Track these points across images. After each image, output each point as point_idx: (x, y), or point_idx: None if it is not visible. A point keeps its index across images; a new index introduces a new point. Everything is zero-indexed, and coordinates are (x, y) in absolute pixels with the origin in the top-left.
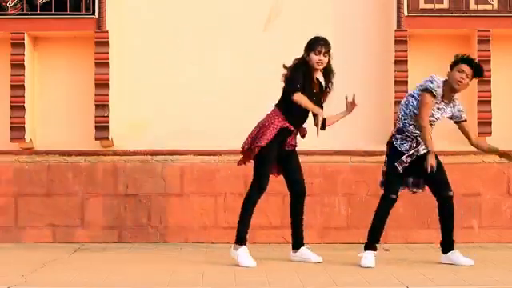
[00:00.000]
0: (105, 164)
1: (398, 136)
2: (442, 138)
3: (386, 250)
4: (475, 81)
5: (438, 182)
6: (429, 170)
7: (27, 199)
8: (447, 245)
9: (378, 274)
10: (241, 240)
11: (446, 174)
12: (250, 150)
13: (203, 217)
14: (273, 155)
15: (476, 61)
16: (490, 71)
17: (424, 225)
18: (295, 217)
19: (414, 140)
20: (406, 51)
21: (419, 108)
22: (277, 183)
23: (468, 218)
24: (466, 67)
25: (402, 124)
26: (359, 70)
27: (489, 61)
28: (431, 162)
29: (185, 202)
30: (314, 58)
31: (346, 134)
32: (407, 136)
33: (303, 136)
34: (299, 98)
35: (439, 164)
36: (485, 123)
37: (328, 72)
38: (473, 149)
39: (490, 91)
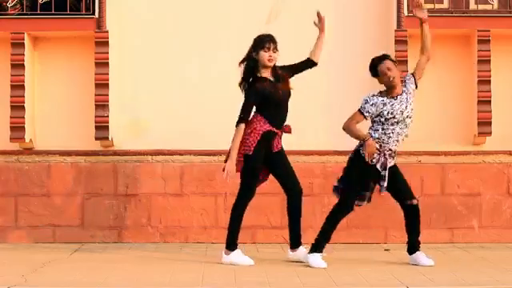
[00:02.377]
0: (105, 164)
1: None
2: (442, 138)
3: (385, 250)
4: (475, 81)
5: (400, 192)
6: (367, 158)
7: (27, 199)
8: (413, 246)
9: (378, 274)
10: (232, 245)
11: (406, 182)
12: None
13: (203, 217)
14: (259, 162)
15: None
16: (489, 71)
17: (424, 225)
18: (293, 216)
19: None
20: (406, 51)
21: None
22: (277, 183)
23: (468, 218)
24: (386, 63)
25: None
26: (359, 70)
27: (489, 61)
28: (368, 150)
29: (185, 201)
30: (264, 55)
31: (346, 134)
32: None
33: (289, 131)
34: (237, 131)
35: (398, 174)
36: (485, 123)
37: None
38: (473, 149)
39: (490, 91)
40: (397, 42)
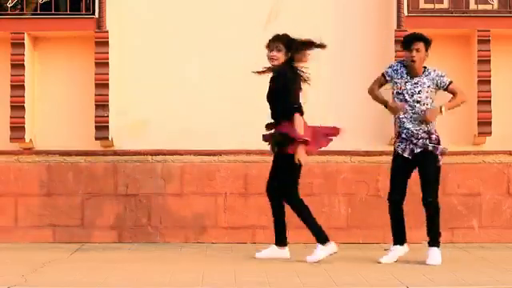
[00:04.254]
0: (105, 164)
1: (397, 140)
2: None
3: (385, 250)
4: (475, 81)
5: (422, 184)
6: (396, 114)
7: (27, 199)
8: (429, 240)
9: (378, 274)
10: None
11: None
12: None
13: (203, 217)
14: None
15: (414, 33)
16: (489, 71)
17: (424, 225)
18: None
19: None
20: None
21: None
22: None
23: (468, 218)
24: (418, 44)
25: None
26: (359, 70)
27: (489, 61)
28: (393, 110)
29: (185, 202)
30: (268, 54)
31: (346, 133)
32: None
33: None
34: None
35: (427, 166)
36: (485, 123)
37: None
38: (473, 149)
39: (490, 91)
40: (397, 42)
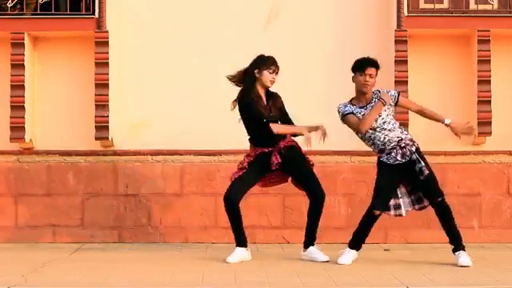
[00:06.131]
0: (105, 164)
1: (383, 155)
2: (442, 138)
3: (385, 250)
4: (475, 81)
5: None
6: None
7: (27, 199)
8: (453, 246)
9: (378, 274)
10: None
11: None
12: None
13: (203, 217)
14: (252, 178)
15: (365, 57)
16: (489, 71)
17: (424, 225)
18: (310, 218)
19: (394, 145)
20: (406, 51)
21: (353, 129)
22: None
23: (468, 218)
24: (367, 69)
25: (376, 148)
26: None
27: (489, 61)
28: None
29: (185, 202)
30: (267, 76)
31: (346, 134)
32: (387, 148)
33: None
34: (276, 128)
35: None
36: (485, 123)
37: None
38: (473, 149)
39: (490, 91)
40: (397, 42)
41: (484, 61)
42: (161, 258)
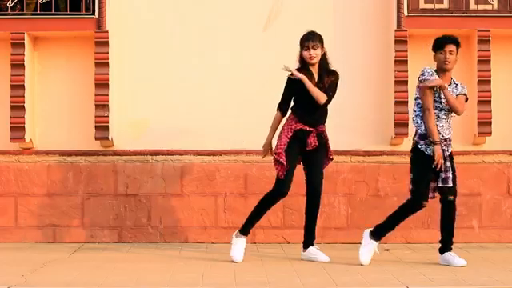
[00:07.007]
0: (105, 164)
1: (422, 141)
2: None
3: (386, 250)
4: (475, 81)
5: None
6: (436, 161)
7: (27, 199)
8: (444, 245)
9: (378, 274)
10: (244, 231)
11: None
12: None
13: (203, 217)
14: (292, 159)
15: (444, 34)
16: (489, 71)
17: (424, 225)
18: (307, 216)
19: (442, 139)
20: (406, 51)
21: (421, 100)
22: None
23: (468, 218)
24: (447, 46)
25: (423, 129)
26: (359, 70)
27: (489, 61)
28: (437, 152)
29: (185, 201)
30: (305, 54)
31: (346, 134)
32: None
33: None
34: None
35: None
36: (485, 123)
37: (321, 69)
38: (473, 149)
39: (490, 91)
40: (397, 42)
41: (484, 61)
42: (161, 258)
